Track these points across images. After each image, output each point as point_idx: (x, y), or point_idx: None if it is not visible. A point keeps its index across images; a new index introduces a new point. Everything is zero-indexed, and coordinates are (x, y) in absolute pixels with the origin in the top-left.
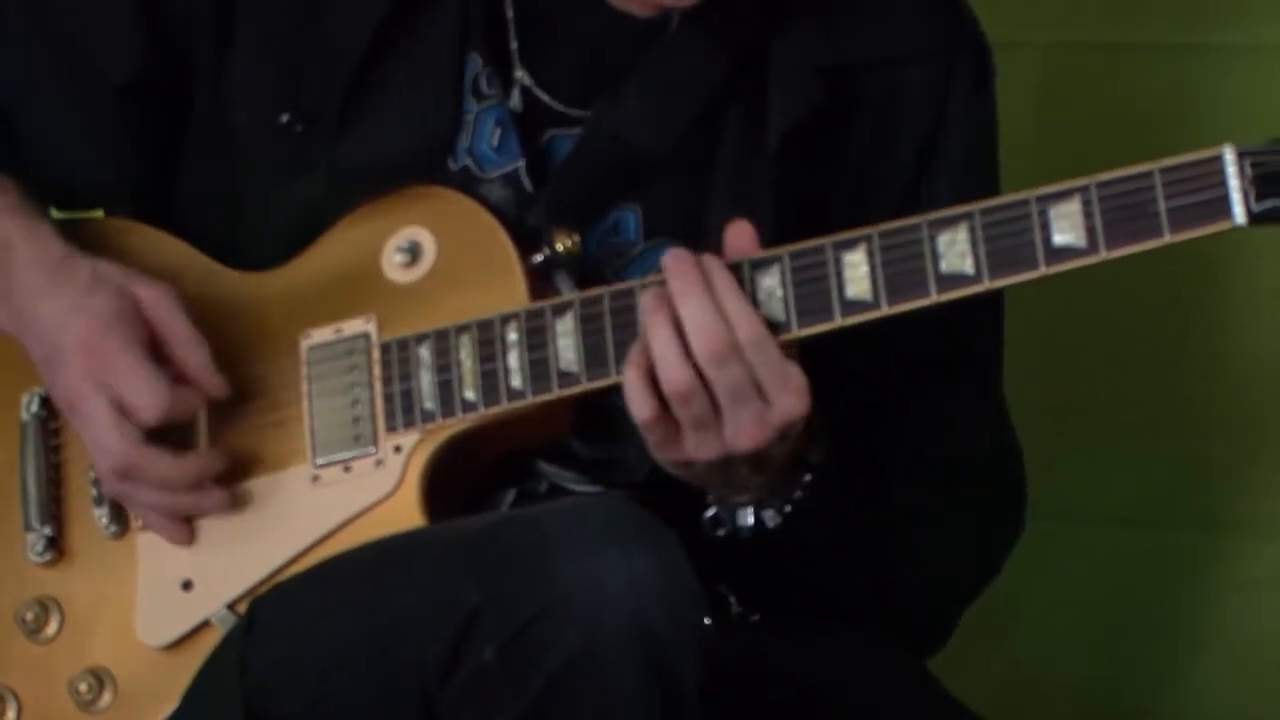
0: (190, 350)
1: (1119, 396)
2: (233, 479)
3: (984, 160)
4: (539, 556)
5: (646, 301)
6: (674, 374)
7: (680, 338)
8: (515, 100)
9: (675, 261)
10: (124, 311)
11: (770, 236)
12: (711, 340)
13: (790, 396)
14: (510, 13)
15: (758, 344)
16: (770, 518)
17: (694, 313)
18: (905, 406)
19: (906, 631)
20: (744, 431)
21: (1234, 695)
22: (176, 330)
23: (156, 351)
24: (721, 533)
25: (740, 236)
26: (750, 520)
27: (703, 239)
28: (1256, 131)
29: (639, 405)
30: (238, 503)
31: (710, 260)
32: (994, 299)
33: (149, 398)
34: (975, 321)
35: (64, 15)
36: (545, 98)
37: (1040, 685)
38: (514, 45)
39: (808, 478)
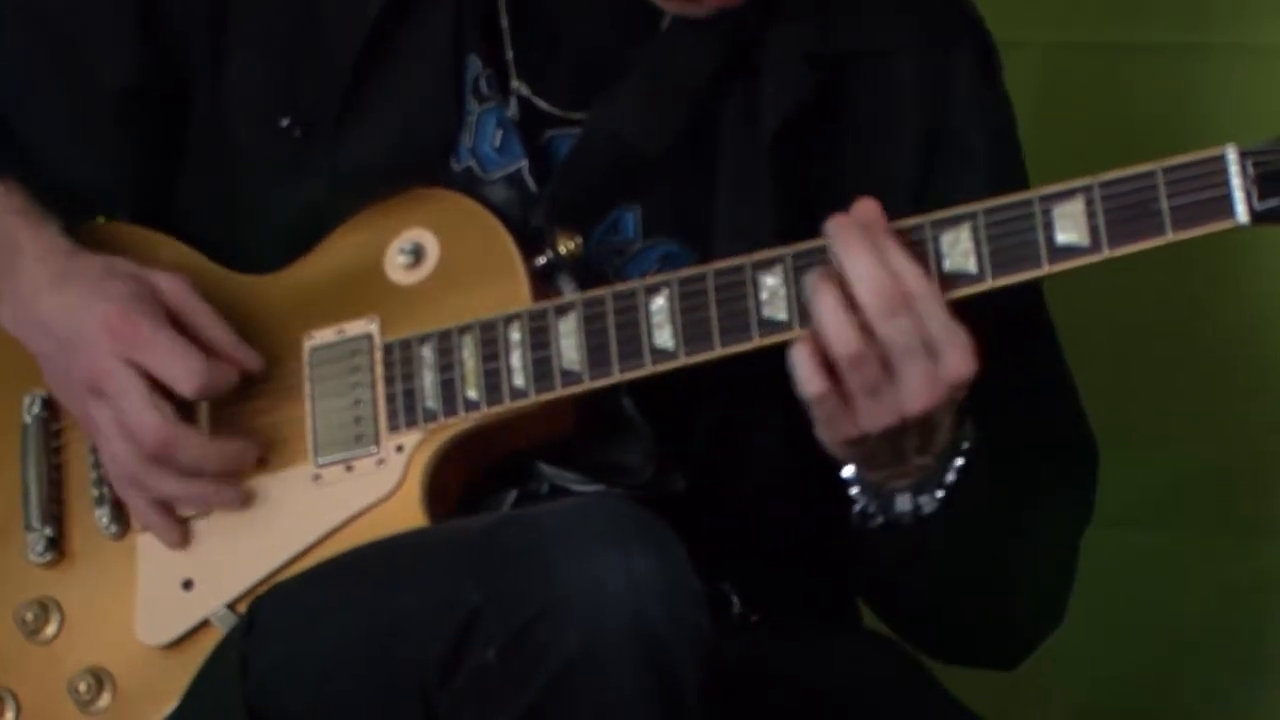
0: (216, 328)
1: (1120, 400)
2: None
3: (1011, 152)
4: (539, 556)
5: (811, 278)
6: (844, 336)
7: (847, 304)
8: (513, 110)
9: (838, 224)
10: (143, 295)
11: (773, 230)
12: (880, 292)
13: (959, 353)
14: (505, 22)
15: (925, 297)
16: (928, 502)
17: (862, 268)
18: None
19: (1004, 633)
20: (916, 392)
21: (1234, 696)
22: (198, 312)
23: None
24: (877, 523)
25: (867, 212)
26: (909, 506)
27: (706, 236)
28: (1257, 132)
29: (809, 379)
30: (240, 502)
31: (872, 222)
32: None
33: (188, 368)
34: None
35: (63, 21)
36: (543, 105)
37: (1039, 685)
38: (510, 55)
39: (959, 461)
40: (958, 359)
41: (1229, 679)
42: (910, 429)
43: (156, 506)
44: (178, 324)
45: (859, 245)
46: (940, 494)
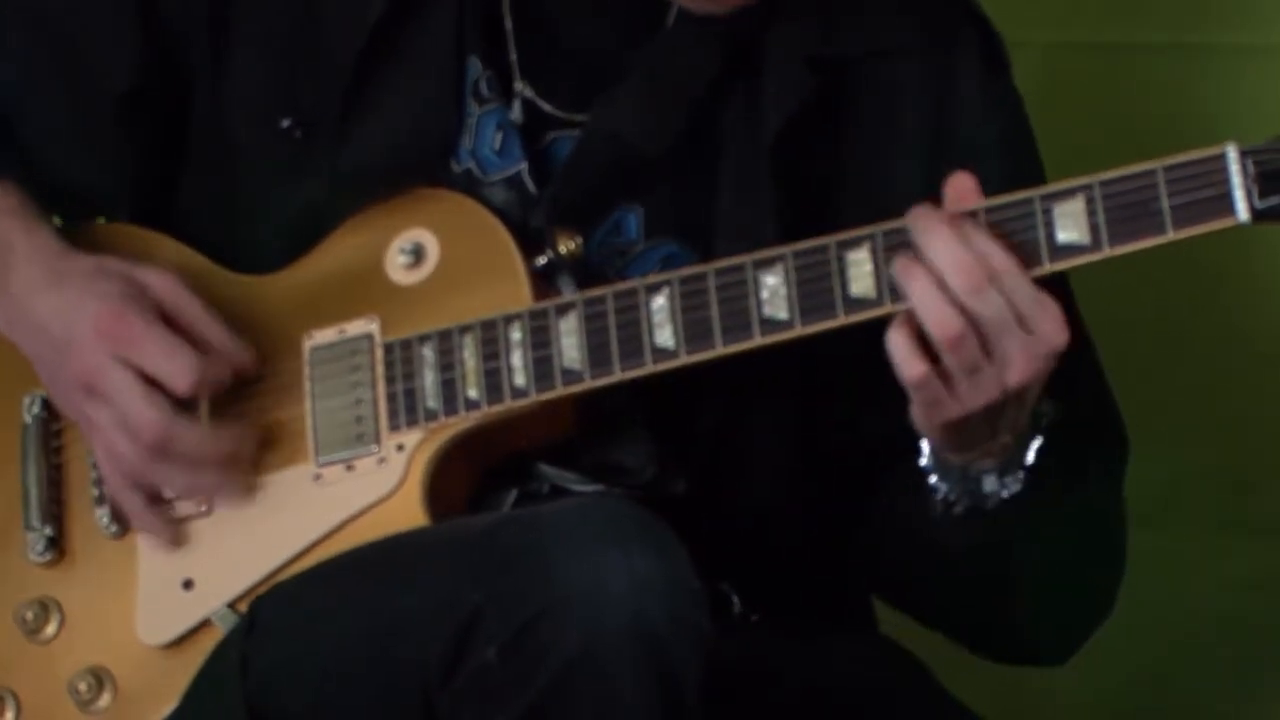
0: (208, 325)
1: (1120, 399)
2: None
3: (1024, 150)
4: (540, 556)
5: (900, 264)
6: (942, 317)
7: (941, 285)
8: (516, 112)
9: (919, 214)
10: (134, 294)
11: (775, 231)
12: (969, 273)
13: (1050, 322)
14: (509, 24)
15: (1011, 273)
16: (1012, 483)
17: (948, 253)
18: None
19: (1067, 622)
20: (1014, 364)
21: (1235, 695)
22: (190, 308)
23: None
24: (959, 510)
25: (962, 186)
26: (996, 487)
27: (708, 238)
28: (1258, 132)
29: (909, 364)
30: (240, 502)
31: (951, 206)
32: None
33: (181, 365)
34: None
35: (63, 22)
36: (546, 106)
37: (1039, 685)
38: (513, 57)
39: (1039, 441)
40: (1052, 328)
41: (1229, 679)
42: (1010, 403)
43: (152, 507)
44: (170, 321)
45: (942, 230)
46: (1022, 475)
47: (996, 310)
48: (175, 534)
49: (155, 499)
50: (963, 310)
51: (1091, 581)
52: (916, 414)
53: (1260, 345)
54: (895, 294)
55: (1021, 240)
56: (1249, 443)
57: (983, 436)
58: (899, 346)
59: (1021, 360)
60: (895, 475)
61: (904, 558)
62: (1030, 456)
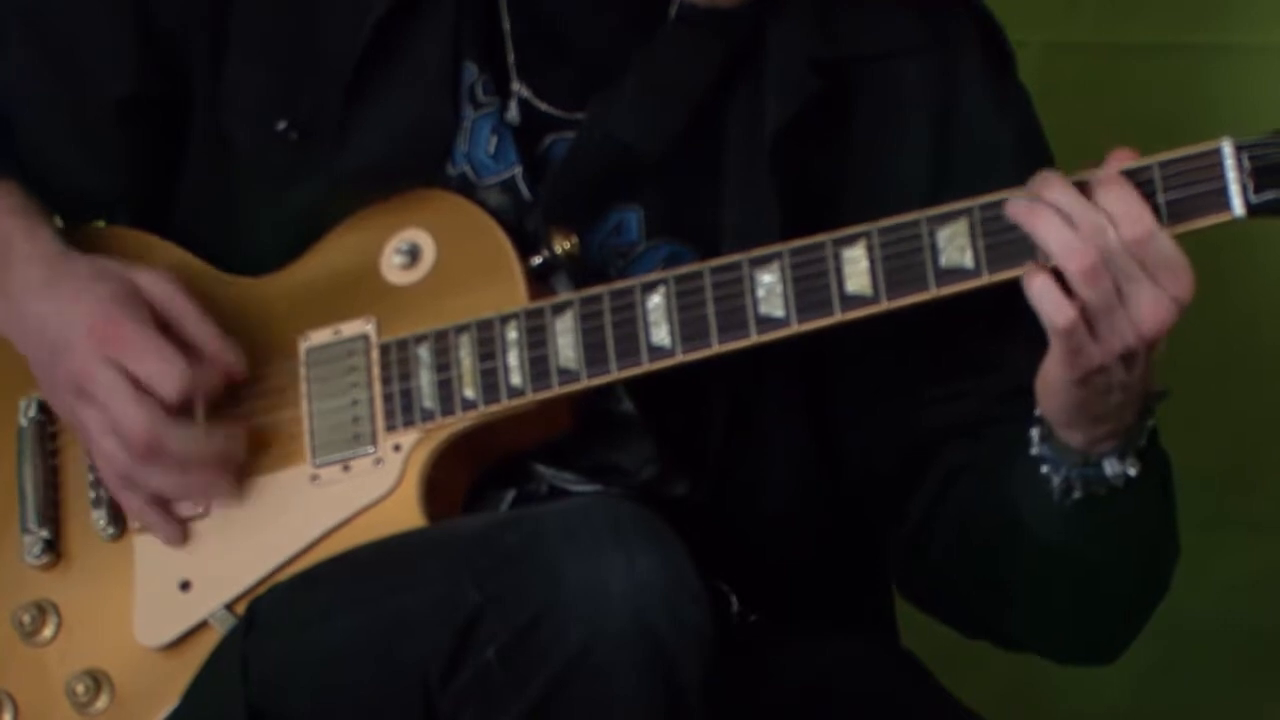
0: (201, 327)
1: None
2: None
3: (1037, 141)
4: (541, 557)
5: (1018, 209)
6: (1078, 250)
7: (1068, 222)
8: (513, 113)
9: (1042, 179)
10: (128, 295)
11: (778, 231)
12: (1091, 213)
13: (1176, 274)
14: (507, 25)
15: (1128, 220)
16: (1132, 465)
17: (1072, 199)
18: None
19: (1136, 616)
20: (1146, 311)
21: (1234, 695)
22: (184, 310)
23: (166, 334)
24: (1077, 495)
25: (1120, 158)
26: (1119, 469)
27: (709, 238)
28: (1256, 133)
29: (1059, 306)
30: (237, 502)
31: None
32: None
33: (169, 369)
34: None
35: (63, 29)
36: (544, 106)
37: (1040, 685)
38: (511, 58)
39: (1151, 423)
40: (1177, 278)
41: (1229, 678)
42: (1141, 356)
43: (152, 504)
44: (163, 323)
45: (1059, 182)
46: (1133, 457)
47: (1120, 250)
48: (178, 532)
49: (156, 498)
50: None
51: (1160, 575)
52: (1058, 371)
53: (1259, 342)
54: (891, 291)
55: (932, 257)
56: (1249, 442)
57: (1114, 403)
58: (1047, 291)
59: (1152, 306)
60: (958, 471)
61: (977, 553)
62: (1143, 440)
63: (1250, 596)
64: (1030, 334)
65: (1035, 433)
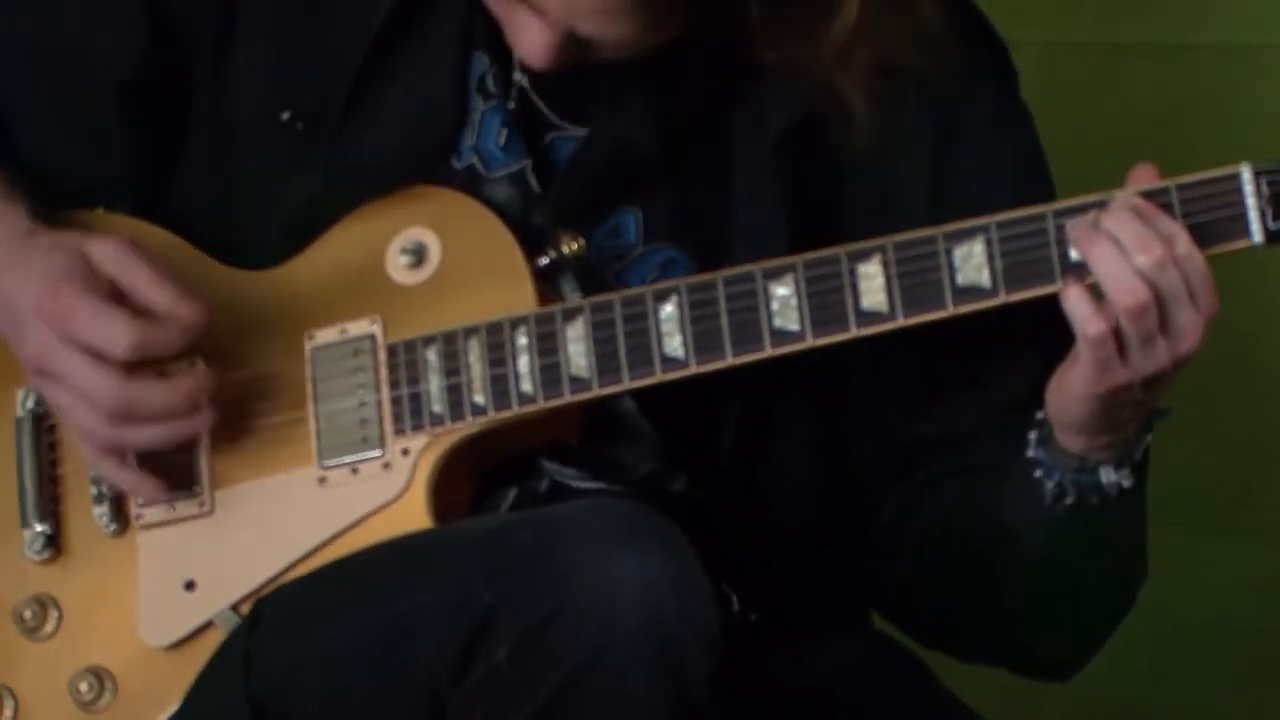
0: (153, 289)
1: None
2: (238, 479)
3: (1037, 165)
4: (553, 557)
5: (1078, 233)
6: (1129, 287)
7: (1125, 254)
8: (512, 102)
9: (1117, 205)
10: (74, 268)
11: (785, 236)
12: (1154, 249)
13: (1211, 293)
14: None
15: (1190, 253)
16: (1125, 477)
17: (1134, 231)
18: None
19: (1101, 630)
20: (1185, 335)
21: (1235, 695)
22: (135, 274)
23: (121, 302)
24: (1070, 501)
25: (1143, 175)
26: (1114, 478)
27: (707, 243)
28: (1257, 132)
29: (1090, 320)
30: (243, 504)
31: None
32: None
33: (116, 333)
34: None
35: (66, 12)
36: (540, 104)
37: (1040, 685)
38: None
39: (1149, 438)
40: (1214, 297)
41: (1227, 683)
42: (1167, 377)
43: (134, 467)
44: (119, 290)
45: (1128, 211)
46: (1127, 469)
47: (1172, 284)
48: (164, 486)
49: (139, 455)
50: (1146, 281)
51: (1128, 593)
52: (1084, 383)
53: (1259, 348)
54: (907, 309)
55: (949, 275)
56: (1249, 444)
57: (1127, 416)
58: (1080, 304)
59: (1191, 330)
60: (940, 479)
61: (952, 559)
62: (1139, 454)
63: (1249, 604)
64: (1029, 351)
65: (1034, 435)
